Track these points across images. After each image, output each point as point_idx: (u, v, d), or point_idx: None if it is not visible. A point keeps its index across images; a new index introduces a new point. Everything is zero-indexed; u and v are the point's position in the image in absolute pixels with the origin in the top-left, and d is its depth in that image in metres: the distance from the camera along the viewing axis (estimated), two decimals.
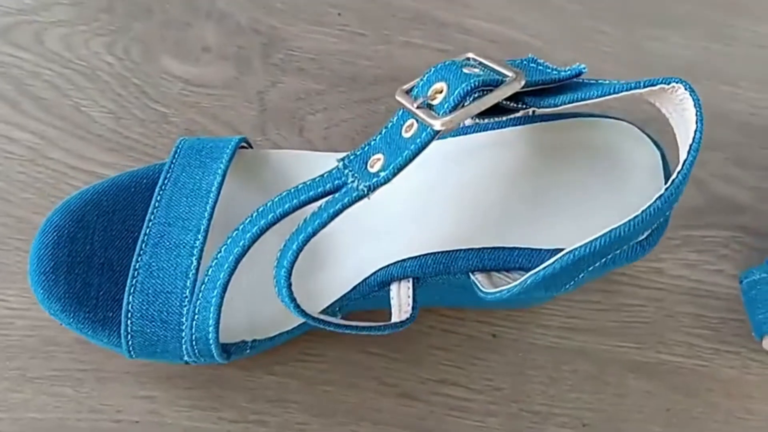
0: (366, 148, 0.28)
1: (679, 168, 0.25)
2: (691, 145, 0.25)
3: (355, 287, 0.32)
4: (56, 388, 0.34)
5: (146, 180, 0.33)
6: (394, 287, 0.31)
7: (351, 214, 0.28)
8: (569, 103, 0.27)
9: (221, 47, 0.42)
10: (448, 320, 0.38)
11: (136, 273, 0.29)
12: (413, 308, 0.31)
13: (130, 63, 0.41)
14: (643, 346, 0.39)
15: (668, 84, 0.26)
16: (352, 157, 0.28)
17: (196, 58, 0.41)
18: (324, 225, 0.27)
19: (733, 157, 0.44)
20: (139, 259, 0.29)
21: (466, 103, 0.26)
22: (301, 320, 0.32)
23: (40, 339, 0.35)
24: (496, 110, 0.29)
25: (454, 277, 0.31)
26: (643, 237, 0.29)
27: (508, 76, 0.27)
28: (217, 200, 0.30)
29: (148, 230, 0.30)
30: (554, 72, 0.28)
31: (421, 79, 0.28)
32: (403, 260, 0.31)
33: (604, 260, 0.26)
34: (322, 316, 0.29)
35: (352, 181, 0.27)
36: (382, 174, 0.26)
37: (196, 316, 0.28)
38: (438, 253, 0.31)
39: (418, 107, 0.27)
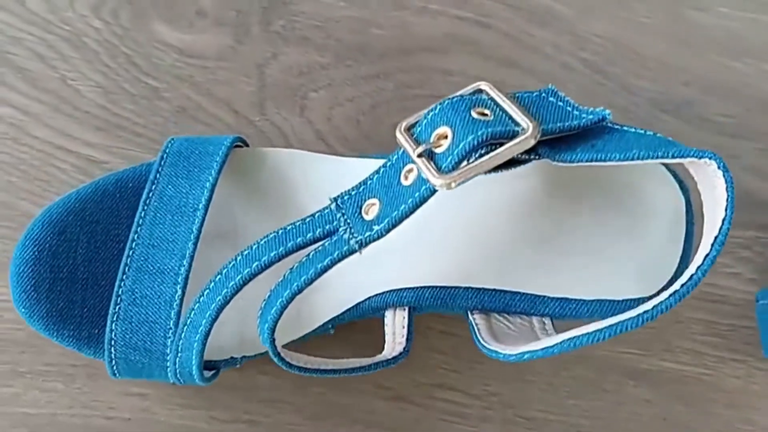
0: (362, 189, 0.26)
1: (698, 263, 0.23)
2: (716, 237, 0.23)
3: (348, 310, 0.30)
4: (47, 383, 0.34)
5: (132, 184, 0.31)
6: (389, 314, 0.30)
7: None
8: (587, 162, 0.24)
9: (217, 11, 0.38)
10: (448, 321, 0.37)
11: (119, 299, 0.28)
12: (407, 340, 0.29)
13: (118, 28, 0.37)
14: (647, 352, 0.38)
15: (699, 158, 0.24)
16: (346, 198, 0.26)
17: (190, 23, 0.38)
18: (311, 282, 0.25)
19: None
20: (122, 284, 0.28)
21: (471, 159, 0.23)
22: (295, 336, 0.31)
23: (29, 332, 0.34)
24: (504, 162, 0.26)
25: (451, 311, 0.29)
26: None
27: (521, 127, 0.24)
28: (204, 220, 0.29)
29: (131, 252, 0.28)
30: (575, 116, 0.25)
31: (425, 117, 0.25)
32: (400, 289, 0.29)
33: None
34: (309, 366, 0.28)
35: (344, 230, 0.25)
36: (376, 228, 0.24)
37: (180, 354, 0.27)
38: (436, 287, 0.29)
39: (419, 156, 0.24)
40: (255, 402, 0.35)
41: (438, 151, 0.24)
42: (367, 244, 0.25)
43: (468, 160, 0.23)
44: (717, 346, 0.38)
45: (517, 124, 0.24)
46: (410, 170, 0.25)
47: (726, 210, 0.23)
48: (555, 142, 0.25)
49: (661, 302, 0.23)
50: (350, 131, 0.38)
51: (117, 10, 0.38)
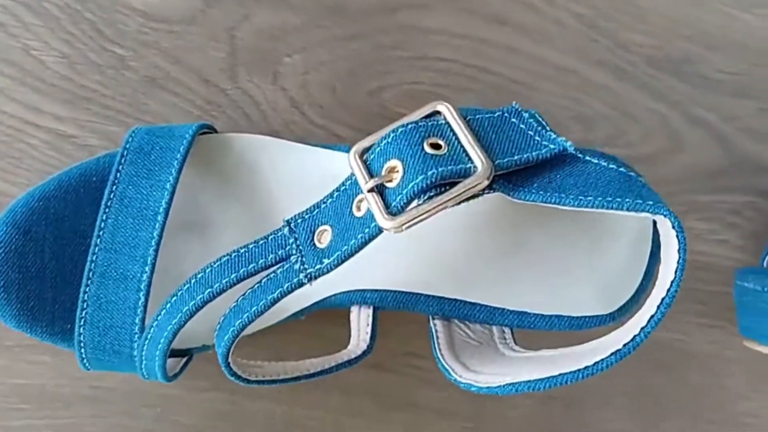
0: (315, 213, 0.26)
1: (642, 324, 0.22)
2: (663, 299, 0.22)
3: (314, 303, 0.31)
4: (35, 356, 0.35)
5: (95, 178, 0.30)
6: (354, 310, 0.30)
7: None
8: (542, 203, 0.23)
9: None
10: None
11: (85, 305, 0.29)
12: (371, 338, 0.30)
13: None
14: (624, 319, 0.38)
15: (654, 214, 0.22)
16: (299, 221, 0.26)
17: None
18: (261, 314, 0.25)
19: None
20: (87, 289, 0.28)
21: (422, 199, 0.23)
22: (266, 325, 0.32)
23: None
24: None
25: (415, 312, 0.30)
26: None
27: (473, 164, 0.23)
28: (165, 223, 0.28)
29: (94, 257, 0.29)
30: (535, 145, 0.24)
31: (378, 145, 0.24)
32: (364, 290, 0.29)
33: None
34: (268, 377, 0.29)
35: (296, 259, 0.25)
36: (326, 262, 0.24)
37: (144, 362, 0.28)
38: (398, 292, 0.29)
39: (369, 190, 0.23)
40: None
41: (389, 185, 0.23)
42: (316, 278, 0.25)
43: (419, 199, 0.23)
44: (696, 313, 0.39)
45: (470, 159, 0.23)
46: (362, 200, 0.24)
47: (676, 273, 0.22)
48: (511, 175, 0.24)
49: (603, 359, 0.22)
50: (326, 99, 0.37)
51: None
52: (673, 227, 0.22)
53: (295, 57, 0.36)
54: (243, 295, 0.26)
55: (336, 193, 0.25)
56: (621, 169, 0.23)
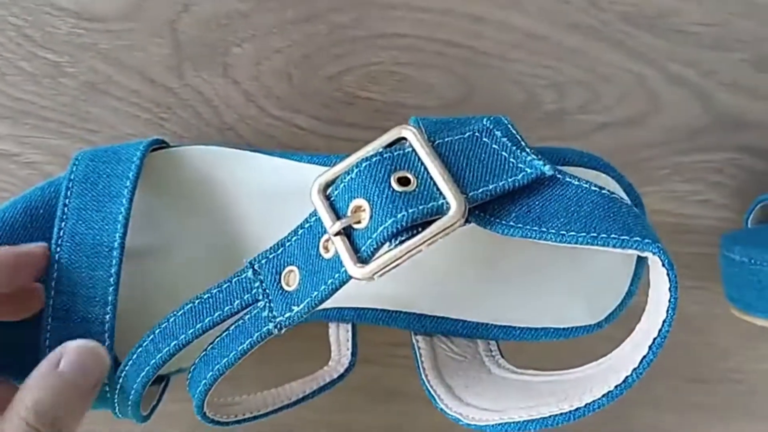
0: (280, 253, 0.24)
1: (635, 365, 0.21)
2: (654, 339, 0.21)
3: None
4: None
5: (42, 210, 0.28)
6: (332, 326, 0.29)
7: None
8: (522, 237, 0.21)
9: None
10: None
11: (48, 351, 0.27)
12: (352, 354, 0.29)
13: None
14: None
15: (642, 251, 0.21)
16: (264, 262, 0.24)
17: None
18: (233, 365, 0.24)
19: (752, 58, 0.36)
20: (48, 335, 0.27)
21: (392, 242, 0.21)
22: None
23: None
24: None
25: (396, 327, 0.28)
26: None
27: (446, 201, 0.21)
28: (122, 257, 0.27)
29: (51, 301, 0.27)
30: (510, 169, 0.22)
31: (342, 181, 0.22)
32: (341, 307, 0.28)
33: None
34: (249, 415, 0.28)
35: (264, 305, 0.24)
36: (296, 309, 0.23)
37: (117, 408, 0.27)
38: (377, 309, 0.28)
39: (336, 234, 0.22)
40: None
41: (357, 227, 0.22)
42: (287, 326, 0.23)
43: (390, 243, 0.21)
44: (681, 276, 0.37)
45: (442, 194, 0.21)
46: (329, 241, 0.22)
47: (668, 312, 0.21)
48: (487, 204, 0.22)
49: (595, 401, 0.21)
50: (282, 88, 0.34)
51: None
52: (663, 265, 0.21)
53: (245, 46, 0.34)
54: (212, 343, 0.25)
55: (300, 231, 0.24)
56: (603, 191, 0.22)
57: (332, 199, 0.23)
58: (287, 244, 0.24)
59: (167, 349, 0.24)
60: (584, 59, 0.35)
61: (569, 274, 0.27)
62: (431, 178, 0.22)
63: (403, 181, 0.22)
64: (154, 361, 0.25)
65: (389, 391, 0.37)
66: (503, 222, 0.22)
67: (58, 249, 0.27)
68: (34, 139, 0.33)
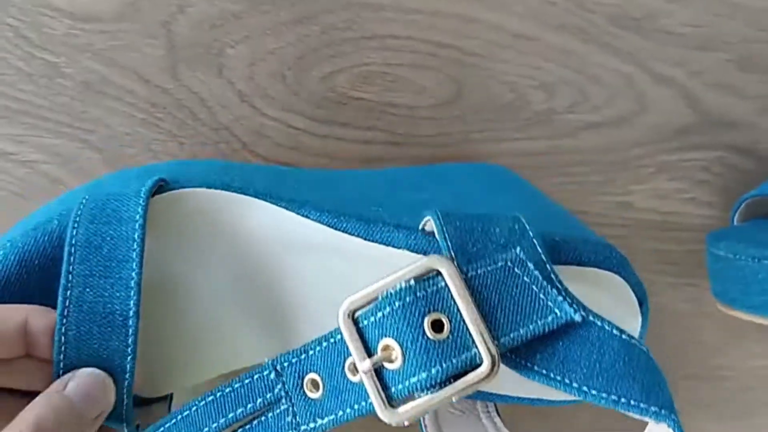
0: (303, 359, 0.24)
1: None
2: None
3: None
4: None
5: (38, 261, 0.26)
6: None
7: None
8: (546, 384, 0.22)
9: None
10: None
11: None
12: None
13: None
14: None
15: (657, 422, 0.22)
16: (286, 365, 0.24)
17: None
18: None
19: (737, 59, 0.37)
20: None
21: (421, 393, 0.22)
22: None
23: None
24: None
25: None
26: None
27: (479, 351, 0.21)
28: (138, 324, 0.25)
29: (59, 370, 0.25)
30: (540, 311, 0.22)
31: (373, 315, 0.22)
32: None
33: None
34: None
35: (287, 408, 0.24)
36: (320, 422, 0.23)
37: None
38: None
39: (364, 371, 0.22)
40: None
41: (387, 366, 0.22)
42: None
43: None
44: (670, 274, 0.38)
45: (475, 343, 0.22)
46: (354, 364, 0.23)
47: None
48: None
49: None
50: (276, 89, 0.35)
51: None
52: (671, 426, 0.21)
53: (239, 47, 0.34)
54: None
55: (325, 344, 0.24)
56: (623, 336, 0.22)
57: (361, 327, 0.23)
58: (310, 352, 0.24)
59: None
60: (572, 60, 0.36)
61: None
62: (464, 323, 0.22)
63: (437, 327, 0.22)
64: None
65: None
66: (528, 364, 0.22)
67: (64, 321, 0.25)
68: (31, 138, 0.34)
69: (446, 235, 0.24)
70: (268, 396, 0.24)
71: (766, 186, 0.35)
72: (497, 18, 0.35)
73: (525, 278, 0.23)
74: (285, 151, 0.35)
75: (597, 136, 0.37)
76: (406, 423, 0.22)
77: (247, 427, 0.24)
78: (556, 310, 0.22)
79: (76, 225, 0.26)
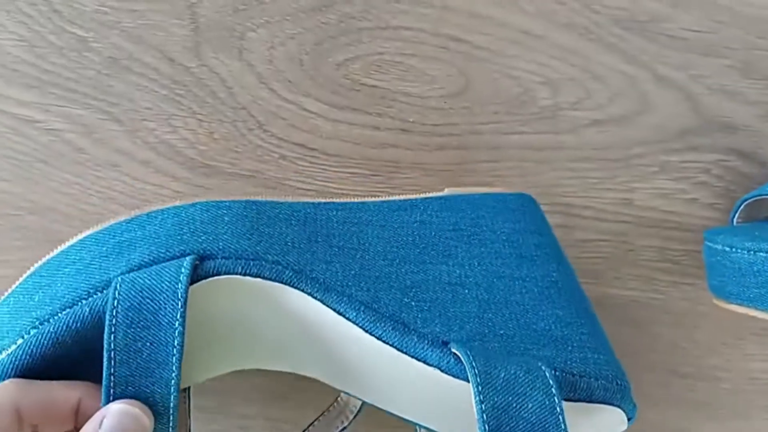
0: None
1: None
2: None
3: None
4: None
5: (70, 340, 0.27)
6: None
7: None
8: None
9: None
10: None
11: None
12: None
13: None
14: (596, 281, 0.39)
15: None
16: None
17: None
18: None
19: (739, 65, 0.38)
20: None
21: None
22: None
23: None
24: None
25: None
26: None
27: None
28: (176, 419, 0.26)
29: None
30: None
31: None
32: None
33: None
34: None
35: None
36: None
37: None
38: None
39: None
40: None
41: None
42: None
43: None
44: (668, 271, 0.39)
45: None
46: None
47: None
48: None
49: None
50: (294, 73, 0.36)
51: None
52: None
53: (259, 31, 0.36)
54: None
55: None
56: None
57: None
58: None
59: None
60: (578, 59, 0.38)
61: None
62: None
63: None
64: None
65: None
66: None
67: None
68: (58, 108, 0.35)
69: (476, 371, 0.26)
70: None
71: (767, 187, 0.36)
72: (507, 15, 0.37)
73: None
74: (298, 133, 0.36)
75: (600, 133, 0.38)
76: None
77: None
78: None
79: (113, 330, 0.26)
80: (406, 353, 0.28)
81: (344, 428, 0.32)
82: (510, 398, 0.25)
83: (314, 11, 0.36)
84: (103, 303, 0.26)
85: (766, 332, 0.39)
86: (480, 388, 0.25)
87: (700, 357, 0.40)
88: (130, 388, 0.26)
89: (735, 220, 0.38)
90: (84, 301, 0.27)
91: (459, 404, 0.27)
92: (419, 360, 0.28)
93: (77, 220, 0.35)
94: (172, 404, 0.26)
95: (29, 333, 0.26)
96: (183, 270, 0.26)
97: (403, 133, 0.37)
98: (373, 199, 0.32)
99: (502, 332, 0.29)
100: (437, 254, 0.31)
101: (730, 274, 0.34)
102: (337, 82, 0.37)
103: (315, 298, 0.28)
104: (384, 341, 0.28)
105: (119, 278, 0.27)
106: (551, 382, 0.26)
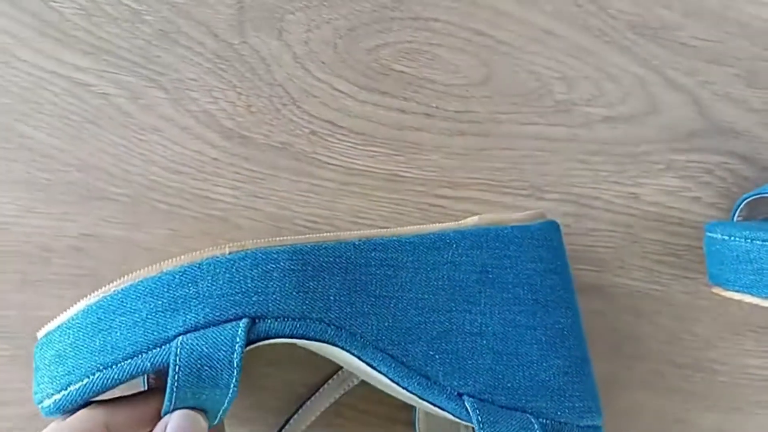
0: None
1: None
2: None
3: None
4: (55, 290, 0.38)
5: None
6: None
7: None
8: None
9: None
10: None
11: None
12: None
13: None
14: (601, 269, 0.41)
15: None
16: None
17: None
18: None
19: (744, 74, 0.41)
20: None
21: None
22: None
23: (36, 244, 0.38)
24: None
25: None
26: None
27: None
28: None
29: None
30: None
31: None
32: None
33: None
34: None
35: None
36: None
37: None
38: None
39: None
40: None
41: None
42: None
43: None
44: (671, 265, 0.41)
45: None
46: None
47: None
48: None
49: None
50: (327, 55, 0.39)
51: None
52: None
53: (298, 14, 0.39)
54: None
55: None
56: None
57: None
58: None
59: None
60: (593, 59, 0.40)
61: None
62: None
63: None
64: None
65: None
66: None
67: None
68: (110, 74, 0.38)
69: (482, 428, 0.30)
70: None
71: (767, 187, 0.39)
72: (529, 14, 0.40)
73: None
74: (329, 111, 0.39)
75: (611, 129, 0.40)
76: None
77: None
78: None
79: (175, 388, 0.29)
80: (427, 401, 0.31)
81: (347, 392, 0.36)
82: None
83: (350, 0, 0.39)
84: (162, 359, 0.29)
85: (764, 330, 0.41)
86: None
87: (699, 349, 0.41)
88: None
89: (735, 218, 0.40)
90: (144, 355, 0.29)
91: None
92: (436, 406, 0.31)
93: (120, 179, 0.38)
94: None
95: (94, 374, 0.29)
96: (238, 340, 0.29)
97: (427, 117, 0.40)
98: (409, 232, 0.34)
99: (509, 385, 0.32)
100: (463, 301, 0.33)
101: (728, 261, 0.36)
102: (367, 65, 0.39)
103: (353, 354, 0.31)
104: (409, 391, 0.31)
105: (179, 342, 0.29)
106: None
